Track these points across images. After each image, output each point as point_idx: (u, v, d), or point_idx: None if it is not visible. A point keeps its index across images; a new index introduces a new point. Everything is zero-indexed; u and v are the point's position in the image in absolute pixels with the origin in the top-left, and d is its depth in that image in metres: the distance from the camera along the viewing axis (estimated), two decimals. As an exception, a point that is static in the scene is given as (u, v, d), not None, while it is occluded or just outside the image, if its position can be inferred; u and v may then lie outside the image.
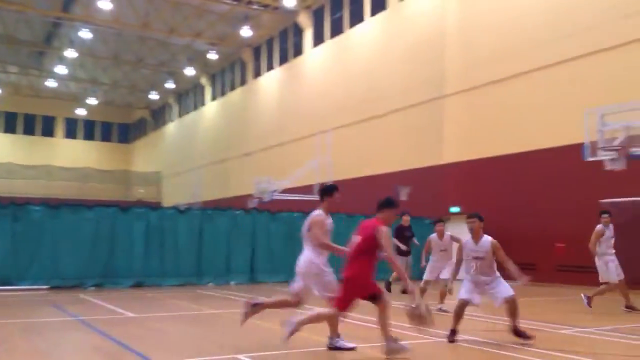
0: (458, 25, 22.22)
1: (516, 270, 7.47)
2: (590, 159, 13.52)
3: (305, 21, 31.75)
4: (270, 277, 17.72)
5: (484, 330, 9.03)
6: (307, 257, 7.10)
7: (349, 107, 27.86)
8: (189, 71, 40.88)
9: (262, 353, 7.07)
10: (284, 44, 34.35)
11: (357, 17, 28.24)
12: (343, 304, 6.71)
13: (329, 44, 30.44)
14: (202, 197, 37.92)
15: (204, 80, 43.93)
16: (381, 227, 6.68)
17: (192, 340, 8.13)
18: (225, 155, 39.50)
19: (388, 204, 7.06)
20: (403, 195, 21.39)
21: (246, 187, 29.16)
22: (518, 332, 7.55)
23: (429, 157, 22.63)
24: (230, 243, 17.72)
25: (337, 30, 29.79)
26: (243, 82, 38.93)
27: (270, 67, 35.82)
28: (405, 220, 14.51)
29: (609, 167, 13.00)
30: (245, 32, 33.38)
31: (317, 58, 31.40)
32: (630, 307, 10.90)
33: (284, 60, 34.43)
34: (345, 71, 28.81)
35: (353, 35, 28.67)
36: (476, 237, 7.73)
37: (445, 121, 22.35)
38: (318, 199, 7.47)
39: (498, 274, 7.72)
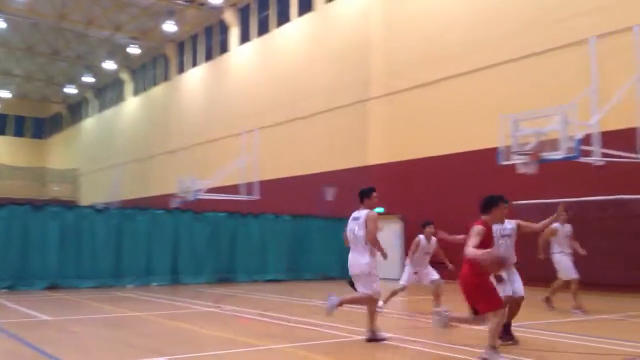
0: (383, 29, 22.70)
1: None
2: (504, 163, 14.10)
3: (231, 19, 31.45)
4: (193, 279, 17.41)
5: (404, 327, 9.28)
6: (360, 259, 7.74)
7: (276, 107, 27.82)
8: (109, 65, 39.50)
9: (183, 355, 6.95)
10: (209, 41, 33.87)
11: (283, 17, 28.25)
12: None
13: (256, 42, 30.28)
14: (121, 196, 36.69)
15: (124, 75, 42.55)
16: (474, 227, 6.39)
17: (110, 343, 7.88)
18: (147, 153, 38.43)
19: (491, 202, 6.67)
20: (329, 196, 21.63)
21: (169, 186, 28.47)
22: (509, 332, 7.52)
23: (354, 159, 22.99)
24: (151, 243, 17.24)
25: (263, 29, 29.68)
26: (166, 77, 38.03)
27: (194, 64, 35.22)
28: None
29: (521, 170, 13.61)
30: (169, 27, 32.61)
31: (243, 56, 31.16)
32: (547, 301, 11.27)
33: (209, 57, 33.94)
34: (271, 71, 28.76)
35: (280, 34, 28.65)
36: (503, 220, 7.63)
37: (370, 123, 22.78)
38: (359, 200, 8.37)
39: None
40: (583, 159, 13.78)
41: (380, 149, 22.20)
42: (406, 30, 21.66)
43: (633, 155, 14.31)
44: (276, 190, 25.89)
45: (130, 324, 9.65)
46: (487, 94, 18.37)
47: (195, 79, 35.20)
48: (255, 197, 24.69)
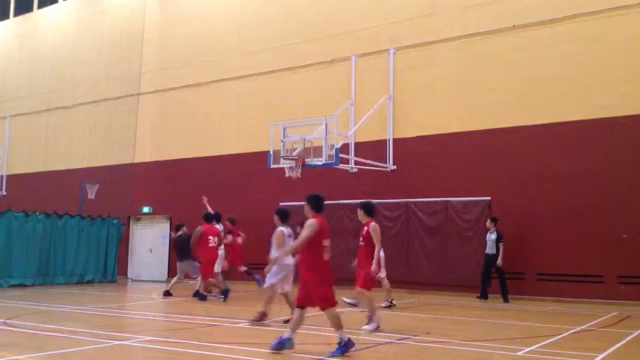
0: (158, 24, 22.04)
1: None
2: (273, 167, 14.69)
3: (-17, -9, 27.81)
4: None
5: (161, 329, 9.05)
6: None
7: (34, 94, 25.30)
8: None
9: None
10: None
11: (48, -3, 25.92)
12: None
13: (14, 21, 27.26)
14: None
15: None
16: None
17: None
18: None
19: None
20: (90, 193, 20.19)
21: None
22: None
23: (121, 155, 21.85)
24: None
25: (24, 8, 26.85)
26: None
27: None
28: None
29: (288, 174, 14.31)
30: None
31: (-2, 35, 27.76)
32: (223, 293, 12.92)
33: (-47, 31, 29.47)
34: (31, 54, 26.05)
35: (43, 16, 26.16)
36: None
37: (139, 120, 21.88)
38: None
39: None
40: (341, 166, 15.01)
41: (148, 146, 21.45)
42: (181, 29, 21.34)
43: (381, 164, 16.02)
44: (29, 185, 23.43)
45: None
46: (258, 100, 18.92)
47: None
48: (2, 192, 22.15)
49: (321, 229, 6.75)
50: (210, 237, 12.92)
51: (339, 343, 6.53)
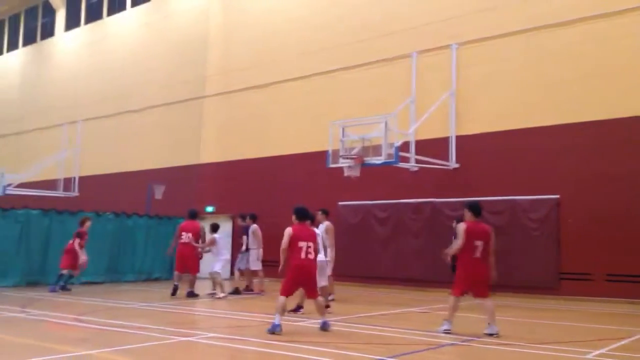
0: (221, 28, 22.53)
1: None
2: (332, 166, 14.70)
3: (57, 1, 29.17)
4: (-1, 281, 15.64)
5: (224, 326, 9.21)
6: None
7: (104, 99, 26.34)
8: None
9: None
10: (32, 23, 31.08)
11: (117, 5, 26.88)
12: None
13: (85, 29, 28.46)
14: None
15: None
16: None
17: None
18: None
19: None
20: (158, 194, 20.84)
21: (-25, 180, 25.52)
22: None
23: (186, 156, 22.46)
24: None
25: (94, 16, 28.02)
26: (-21, 60, 34.17)
27: (13, 47, 32.07)
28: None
29: (347, 173, 14.27)
30: (-16, 4, 29.38)
31: (70, 43, 29.04)
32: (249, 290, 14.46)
33: (30, 40, 31.12)
34: (101, 60, 27.15)
35: (112, 23, 27.21)
36: None
37: (204, 121, 22.42)
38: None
39: None
40: (401, 164, 14.84)
41: (213, 147, 21.94)
42: (244, 32, 21.70)
43: (444, 162, 15.74)
44: (99, 186, 24.44)
45: None
46: (318, 100, 19.00)
47: (12, 64, 32.05)
48: (74, 193, 23.17)
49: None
50: (184, 233, 13.37)
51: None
